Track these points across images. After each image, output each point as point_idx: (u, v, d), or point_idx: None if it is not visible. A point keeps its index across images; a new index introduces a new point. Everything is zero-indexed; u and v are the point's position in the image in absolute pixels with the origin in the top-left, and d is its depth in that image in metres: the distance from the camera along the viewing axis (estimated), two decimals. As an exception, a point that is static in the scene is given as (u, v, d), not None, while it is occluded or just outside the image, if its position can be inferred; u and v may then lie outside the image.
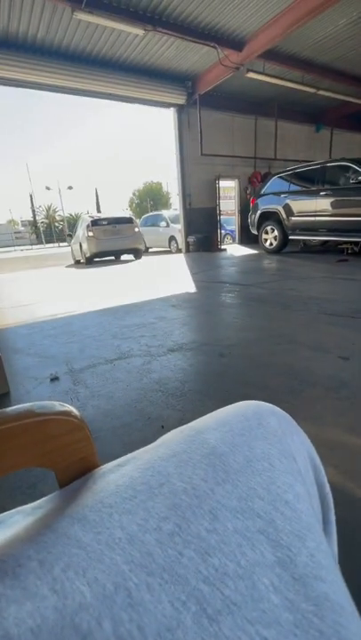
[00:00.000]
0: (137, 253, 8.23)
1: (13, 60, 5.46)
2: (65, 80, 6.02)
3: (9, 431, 0.20)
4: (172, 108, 7.80)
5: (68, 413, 0.23)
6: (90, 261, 7.81)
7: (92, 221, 7.56)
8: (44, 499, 0.22)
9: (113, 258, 8.63)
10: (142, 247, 8.35)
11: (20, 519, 0.20)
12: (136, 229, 8.00)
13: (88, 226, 7.48)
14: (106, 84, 6.40)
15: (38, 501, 0.22)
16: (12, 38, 5.31)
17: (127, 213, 9.88)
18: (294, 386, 1.38)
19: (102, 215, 8.16)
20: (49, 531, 0.18)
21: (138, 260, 7.90)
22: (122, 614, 0.14)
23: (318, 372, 1.48)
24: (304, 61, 6.71)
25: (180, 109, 7.75)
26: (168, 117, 8.05)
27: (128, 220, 8.02)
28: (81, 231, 7.93)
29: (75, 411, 0.24)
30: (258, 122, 8.82)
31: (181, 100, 7.49)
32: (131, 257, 8.57)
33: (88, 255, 7.61)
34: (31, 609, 0.14)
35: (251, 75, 6.41)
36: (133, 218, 8.33)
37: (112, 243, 7.62)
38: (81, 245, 7.93)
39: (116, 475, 0.22)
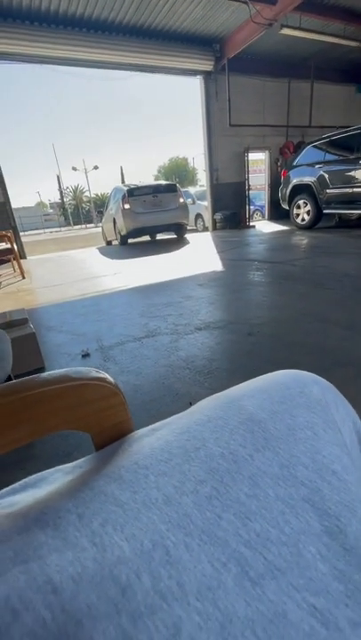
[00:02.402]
0: (180, 230, 6.72)
1: (34, 34, 5.35)
2: (88, 53, 5.84)
3: (46, 394, 0.21)
4: (198, 76, 7.38)
5: (103, 379, 0.23)
6: (124, 241, 6.50)
7: (127, 191, 6.09)
8: (82, 459, 0.22)
9: (148, 238, 7.36)
10: (187, 222, 6.79)
11: (60, 477, 0.21)
12: (181, 200, 6.39)
13: (124, 197, 6.02)
14: (130, 54, 6.14)
15: (77, 461, 0.22)
16: (35, 12, 5.18)
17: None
18: (325, 366, 1.34)
19: (140, 183, 6.78)
20: (87, 488, 0.19)
21: (181, 240, 6.58)
22: (160, 570, 0.14)
23: (351, 352, 1.42)
24: (346, 11, 6.01)
25: (208, 77, 7.32)
26: (195, 89, 7.64)
27: (171, 188, 6.42)
28: (114, 205, 6.54)
29: (110, 377, 0.24)
30: (291, 85, 8.14)
31: (209, 67, 7.06)
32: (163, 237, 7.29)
33: (124, 233, 6.21)
34: (72, 558, 0.14)
35: (285, 31, 5.86)
36: (177, 185, 6.67)
37: (153, 217, 6.11)
38: (115, 222, 6.58)
39: (150, 438, 0.22)
